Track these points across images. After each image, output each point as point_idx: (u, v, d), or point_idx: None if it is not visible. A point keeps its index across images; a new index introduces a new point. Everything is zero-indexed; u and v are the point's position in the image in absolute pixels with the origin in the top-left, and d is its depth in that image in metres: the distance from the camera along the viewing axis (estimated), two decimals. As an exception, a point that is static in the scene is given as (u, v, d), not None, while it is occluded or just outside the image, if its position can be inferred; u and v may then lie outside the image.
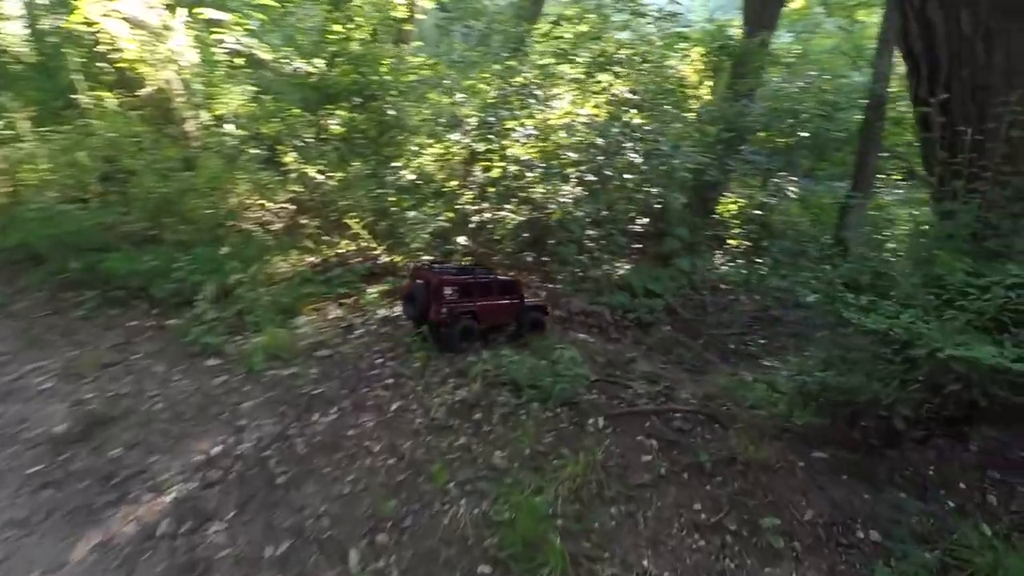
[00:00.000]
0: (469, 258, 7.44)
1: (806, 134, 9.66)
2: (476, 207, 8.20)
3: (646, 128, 8.54)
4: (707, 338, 6.43)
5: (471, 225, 7.85)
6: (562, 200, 7.48)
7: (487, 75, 9.64)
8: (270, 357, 5.23)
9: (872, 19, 11.29)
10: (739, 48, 10.77)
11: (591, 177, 8.00)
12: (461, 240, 7.42)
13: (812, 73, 10.18)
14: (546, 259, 7.70)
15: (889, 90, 8.74)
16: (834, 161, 9.22)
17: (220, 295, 6.07)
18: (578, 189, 7.57)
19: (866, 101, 8.99)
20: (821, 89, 9.50)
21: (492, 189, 8.48)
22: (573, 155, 7.59)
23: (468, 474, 3.83)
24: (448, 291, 5.10)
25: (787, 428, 4.05)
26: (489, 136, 8.76)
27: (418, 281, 5.31)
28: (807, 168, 9.05)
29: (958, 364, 3.12)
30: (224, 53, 8.51)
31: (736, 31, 11.62)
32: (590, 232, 7.52)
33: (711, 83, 12.04)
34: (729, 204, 10.63)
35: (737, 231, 10.19)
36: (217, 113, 8.20)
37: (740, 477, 3.74)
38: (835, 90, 9.66)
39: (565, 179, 7.50)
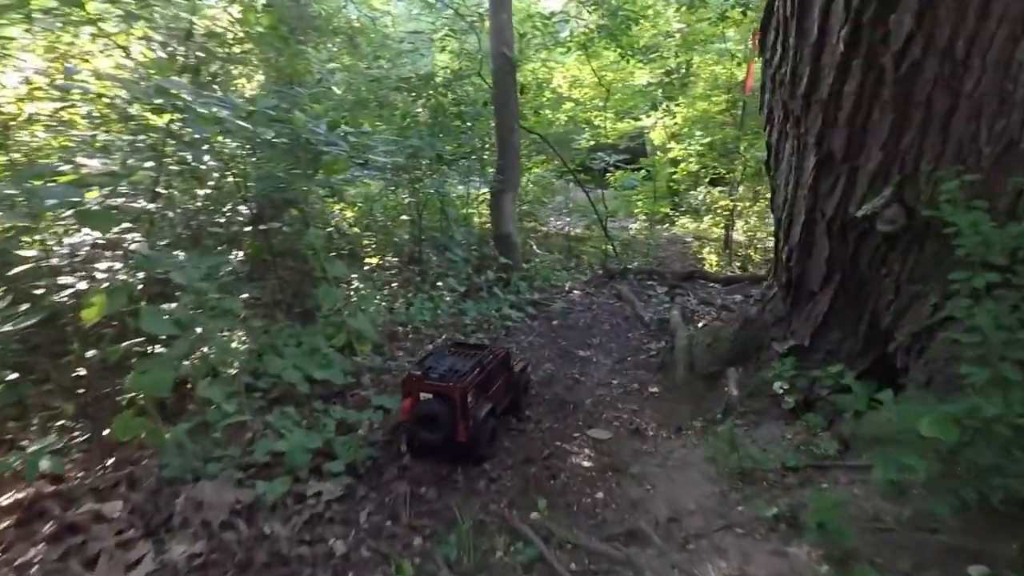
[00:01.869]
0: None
1: (421, 110, 7.76)
2: None
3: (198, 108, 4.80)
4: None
5: None
6: (101, 271, 3.39)
7: None
8: None
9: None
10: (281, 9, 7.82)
11: (142, 203, 4.08)
12: None
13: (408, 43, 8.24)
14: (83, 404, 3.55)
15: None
16: (468, 146, 7.50)
17: None
18: (129, 237, 3.60)
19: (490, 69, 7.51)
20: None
21: None
22: (93, 164, 3.53)
23: None
24: (470, 398, 3.60)
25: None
26: None
27: (425, 395, 3.58)
28: (444, 155, 7.03)
29: None
30: None
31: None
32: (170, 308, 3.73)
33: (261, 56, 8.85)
34: (345, 211, 7.91)
35: (371, 244, 7.65)
36: None
37: None
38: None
39: (88, 216, 3.38)
